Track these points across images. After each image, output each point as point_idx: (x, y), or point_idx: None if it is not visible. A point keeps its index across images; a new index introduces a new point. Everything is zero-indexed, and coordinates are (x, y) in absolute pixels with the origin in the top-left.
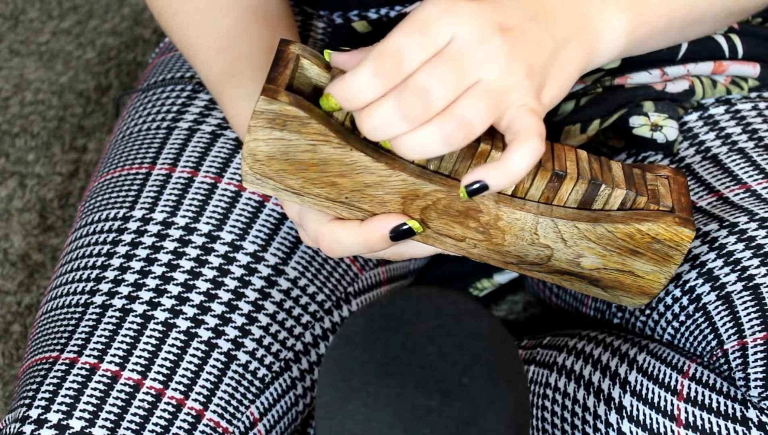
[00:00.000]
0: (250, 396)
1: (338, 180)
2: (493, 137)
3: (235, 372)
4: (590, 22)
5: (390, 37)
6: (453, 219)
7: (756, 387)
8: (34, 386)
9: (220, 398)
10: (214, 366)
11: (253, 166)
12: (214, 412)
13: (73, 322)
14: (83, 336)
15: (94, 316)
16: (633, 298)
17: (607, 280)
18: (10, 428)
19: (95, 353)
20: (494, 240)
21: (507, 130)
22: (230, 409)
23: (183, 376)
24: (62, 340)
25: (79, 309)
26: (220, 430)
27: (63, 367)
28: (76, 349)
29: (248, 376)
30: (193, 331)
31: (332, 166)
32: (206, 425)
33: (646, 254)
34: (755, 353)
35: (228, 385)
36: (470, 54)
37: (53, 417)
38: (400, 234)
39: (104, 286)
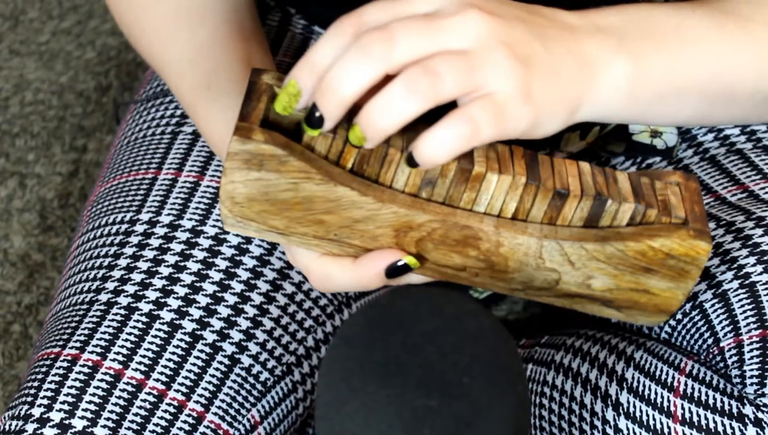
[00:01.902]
0: (251, 399)
1: (325, 217)
2: (488, 159)
3: (238, 375)
4: (585, 54)
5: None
6: (451, 249)
7: (752, 384)
8: (36, 383)
9: (222, 401)
10: (217, 369)
11: (232, 209)
12: (216, 414)
13: (77, 318)
14: (86, 332)
15: (98, 313)
16: (650, 317)
17: (621, 301)
18: (10, 425)
19: (98, 350)
20: (497, 267)
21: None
22: (232, 411)
23: (186, 377)
24: (65, 336)
25: (84, 306)
26: (221, 432)
27: (65, 364)
28: (78, 344)
29: (251, 379)
30: (199, 333)
31: (317, 203)
32: (207, 427)
33: (661, 271)
34: (751, 351)
35: (230, 388)
36: (441, 17)
37: (55, 416)
38: (395, 271)
39: (110, 285)
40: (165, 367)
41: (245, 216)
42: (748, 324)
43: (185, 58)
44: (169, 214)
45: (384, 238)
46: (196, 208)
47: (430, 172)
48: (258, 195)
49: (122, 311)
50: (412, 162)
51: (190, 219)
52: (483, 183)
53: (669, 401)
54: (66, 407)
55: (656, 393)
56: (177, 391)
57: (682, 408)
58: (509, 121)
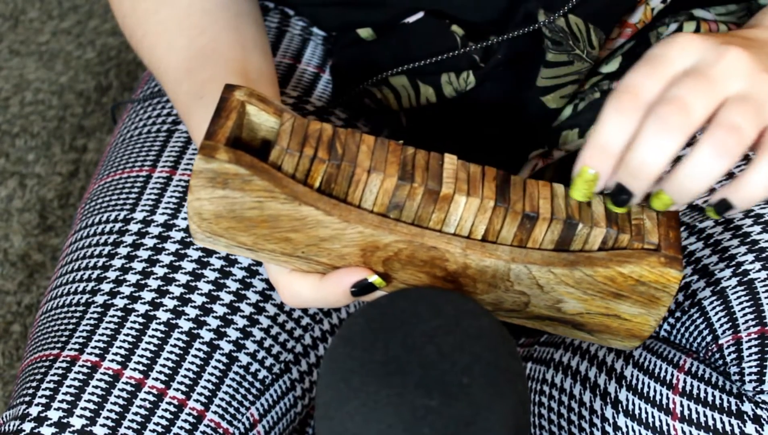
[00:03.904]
0: (250, 397)
1: (291, 235)
2: (457, 180)
3: (236, 373)
4: None
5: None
6: (418, 269)
7: (751, 381)
8: (34, 383)
9: (221, 399)
10: (215, 367)
11: (200, 225)
12: (215, 412)
13: (74, 320)
14: (84, 334)
15: (95, 315)
16: (622, 341)
17: (592, 325)
18: (9, 425)
19: (96, 351)
20: (465, 289)
21: (758, 145)
22: (231, 410)
23: (185, 376)
24: (63, 338)
25: (80, 308)
26: (220, 430)
27: (64, 365)
28: (77, 346)
29: (249, 377)
30: (195, 332)
31: (283, 221)
32: (207, 425)
33: (632, 297)
34: (749, 348)
35: (229, 386)
36: (710, 67)
37: (53, 415)
38: (362, 289)
39: (106, 286)
40: (164, 366)
41: (213, 232)
42: (746, 321)
43: (182, 65)
44: (163, 214)
45: (351, 257)
46: None
47: (398, 196)
48: (224, 212)
49: (119, 313)
50: (725, 208)
51: (185, 218)
52: (451, 204)
53: (668, 399)
54: (64, 406)
55: (655, 390)
56: (177, 390)
57: (681, 405)
58: None
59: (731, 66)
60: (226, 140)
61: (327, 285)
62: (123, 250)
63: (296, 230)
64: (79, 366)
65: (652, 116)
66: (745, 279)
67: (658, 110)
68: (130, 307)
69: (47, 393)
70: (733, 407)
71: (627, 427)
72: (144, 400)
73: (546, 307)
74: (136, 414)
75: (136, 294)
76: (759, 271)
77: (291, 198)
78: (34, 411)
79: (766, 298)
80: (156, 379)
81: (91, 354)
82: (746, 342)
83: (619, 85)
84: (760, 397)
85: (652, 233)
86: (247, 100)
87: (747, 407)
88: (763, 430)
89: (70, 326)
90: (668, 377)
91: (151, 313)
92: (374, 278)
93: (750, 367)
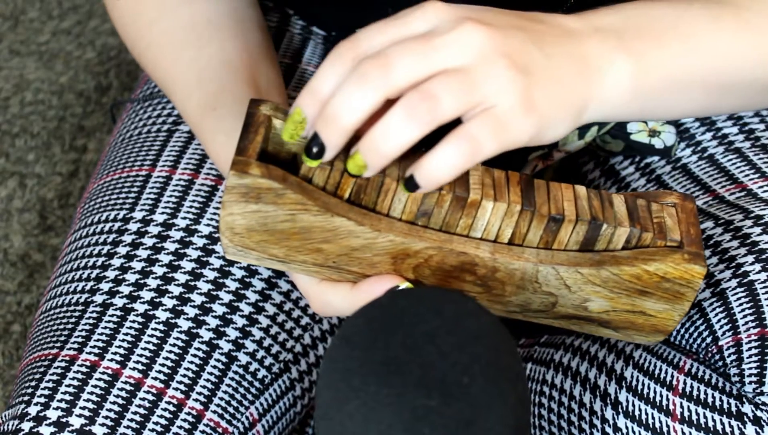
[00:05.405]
0: (249, 397)
1: (323, 246)
2: (483, 186)
3: (236, 373)
4: (586, 55)
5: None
6: (448, 274)
7: (751, 383)
8: (33, 383)
9: (221, 398)
10: (215, 367)
11: (233, 240)
12: (215, 412)
13: (73, 320)
14: (83, 334)
15: (94, 315)
16: (647, 337)
17: (618, 322)
18: (8, 425)
19: (96, 351)
20: (494, 291)
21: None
22: (230, 409)
23: (184, 375)
24: (62, 338)
25: (80, 307)
26: (220, 430)
27: (63, 364)
28: (76, 346)
29: (248, 377)
30: (195, 331)
31: (315, 233)
32: (206, 425)
33: (657, 293)
34: (749, 349)
35: (228, 385)
36: (437, 35)
37: (52, 414)
38: None
39: (105, 286)
40: (163, 365)
41: (245, 245)
42: (746, 323)
43: (191, 77)
44: (163, 213)
45: (382, 265)
46: (191, 207)
47: (426, 203)
48: (257, 226)
49: (118, 312)
50: (412, 185)
51: (185, 218)
52: (479, 210)
53: (668, 400)
54: (63, 405)
55: (655, 392)
56: (176, 389)
57: (681, 407)
58: (511, 133)
59: (460, 41)
60: (257, 155)
61: (359, 293)
62: (122, 250)
63: (328, 241)
64: (78, 365)
65: (354, 69)
66: (746, 280)
67: (360, 63)
68: (130, 306)
69: (46, 392)
70: (733, 409)
71: (627, 428)
72: (143, 399)
73: (573, 306)
74: (135, 413)
75: (136, 293)
76: (759, 272)
77: (323, 210)
78: (33, 410)
79: (766, 299)
80: (155, 379)
81: (90, 353)
82: (746, 343)
83: (356, 33)
84: (760, 399)
85: (673, 230)
86: (273, 115)
87: (747, 409)
88: (763, 431)
89: (69, 326)
90: (668, 378)
91: (151, 313)
92: (405, 285)
93: (750, 368)
